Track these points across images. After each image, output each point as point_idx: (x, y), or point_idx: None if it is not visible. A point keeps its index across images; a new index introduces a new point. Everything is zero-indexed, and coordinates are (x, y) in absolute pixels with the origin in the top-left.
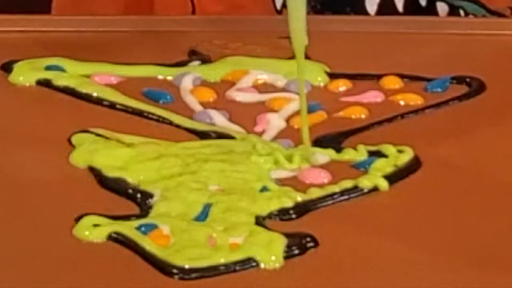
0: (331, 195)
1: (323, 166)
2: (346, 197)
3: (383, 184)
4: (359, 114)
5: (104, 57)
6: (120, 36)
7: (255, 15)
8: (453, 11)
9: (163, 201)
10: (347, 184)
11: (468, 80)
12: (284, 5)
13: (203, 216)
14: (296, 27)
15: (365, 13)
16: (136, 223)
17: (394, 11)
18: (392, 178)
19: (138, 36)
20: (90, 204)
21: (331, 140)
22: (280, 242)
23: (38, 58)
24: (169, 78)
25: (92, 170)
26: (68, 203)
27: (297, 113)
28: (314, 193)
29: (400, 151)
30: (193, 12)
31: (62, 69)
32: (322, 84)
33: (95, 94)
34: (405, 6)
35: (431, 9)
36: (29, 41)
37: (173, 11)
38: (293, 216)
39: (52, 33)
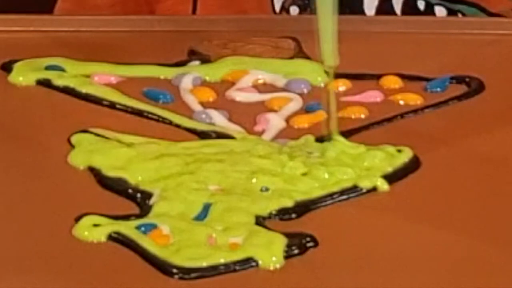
0: (331, 195)
1: None
2: (345, 197)
3: (383, 185)
4: (359, 114)
5: (104, 57)
6: (120, 36)
7: (255, 15)
8: (452, 15)
9: (163, 201)
10: (347, 184)
11: (467, 80)
12: (282, 10)
13: (203, 215)
14: (327, 48)
15: None
16: (136, 223)
17: (393, 15)
18: (392, 178)
19: (138, 36)
20: (90, 204)
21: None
22: (280, 242)
23: (38, 58)
24: (169, 78)
25: (92, 170)
26: (68, 203)
27: (297, 113)
28: (314, 193)
29: (399, 151)
30: None
31: (62, 69)
32: (322, 84)
33: (95, 94)
34: (403, 10)
35: (429, 13)
36: (29, 41)
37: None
38: (293, 216)
39: (52, 33)
